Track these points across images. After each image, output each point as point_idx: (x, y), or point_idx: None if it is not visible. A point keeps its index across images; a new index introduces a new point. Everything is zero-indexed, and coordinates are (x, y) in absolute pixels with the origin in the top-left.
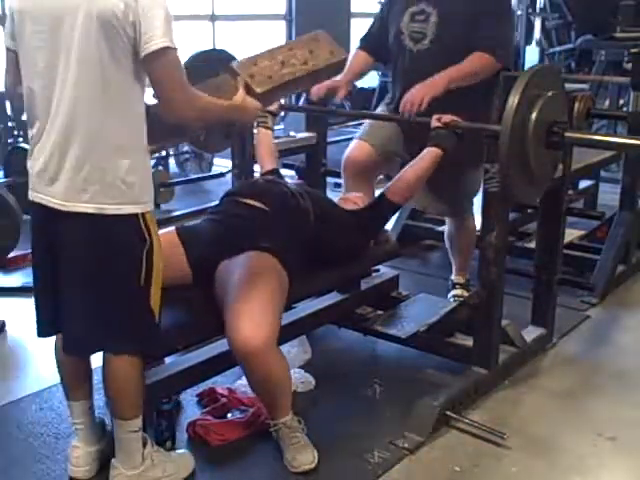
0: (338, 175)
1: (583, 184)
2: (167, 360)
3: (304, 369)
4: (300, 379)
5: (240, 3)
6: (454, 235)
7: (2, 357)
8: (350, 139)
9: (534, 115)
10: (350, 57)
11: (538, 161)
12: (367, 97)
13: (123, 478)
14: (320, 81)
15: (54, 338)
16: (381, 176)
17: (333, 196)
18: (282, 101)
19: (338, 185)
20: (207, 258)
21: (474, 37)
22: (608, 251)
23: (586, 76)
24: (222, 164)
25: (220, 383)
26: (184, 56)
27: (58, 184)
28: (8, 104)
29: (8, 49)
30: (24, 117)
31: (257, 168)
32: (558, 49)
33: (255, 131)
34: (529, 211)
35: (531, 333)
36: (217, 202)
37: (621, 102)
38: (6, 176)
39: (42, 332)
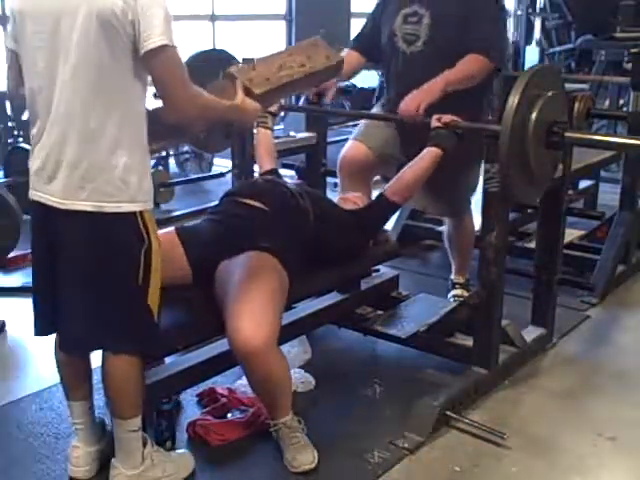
0: None
1: (583, 184)
2: (167, 360)
3: (304, 369)
4: (300, 379)
5: (240, 3)
6: (453, 235)
7: (2, 357)
8: None
9: (534, 115)
10: None
11: (538, 161)
12: (367, 97)
13: (123, 478)
14: (317, 84)
15: (54, 338)
16: (377, 177)
17: (333, 196)
18: (282, 101)
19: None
20: (207, 258)
21: (467, 39)
22: (608, 251)
23: (586, 76)
24: (222, 164)
25: (220, 383)
26: (184, 56)
27: (56, 182)
28: (8, 104)
29: (10, 50)
30: (24, 117)
31: (257, 168)
32: (558, 49)
33: (255, 131)
34: (529, 211)
35: (531, 333)
36: (217, 202)
37: (621, 102)
38: (6, 176)
39: (39, 331)
